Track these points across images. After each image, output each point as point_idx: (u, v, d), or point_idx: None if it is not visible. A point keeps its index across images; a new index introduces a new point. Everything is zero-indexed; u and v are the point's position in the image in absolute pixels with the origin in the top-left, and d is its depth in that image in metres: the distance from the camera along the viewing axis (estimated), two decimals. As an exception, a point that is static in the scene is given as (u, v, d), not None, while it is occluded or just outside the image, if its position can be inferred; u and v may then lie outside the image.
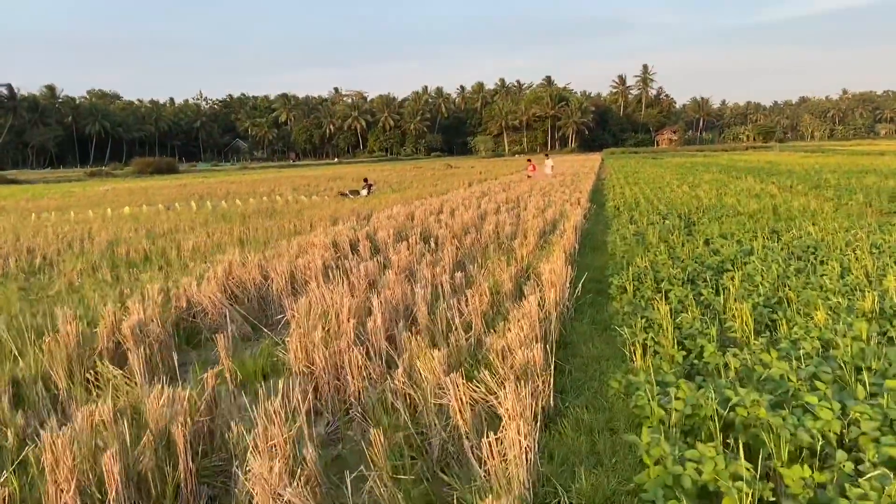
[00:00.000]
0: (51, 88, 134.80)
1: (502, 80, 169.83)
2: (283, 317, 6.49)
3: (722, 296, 6.48)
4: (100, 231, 15.83)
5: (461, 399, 3.83)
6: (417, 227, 12.59)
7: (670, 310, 5.97)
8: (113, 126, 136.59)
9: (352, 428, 4.46)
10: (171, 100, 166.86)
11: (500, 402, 3.65)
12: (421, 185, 31.22)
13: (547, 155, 36.53)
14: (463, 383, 3.91)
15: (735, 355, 4.74)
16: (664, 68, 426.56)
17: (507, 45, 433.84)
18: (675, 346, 5.13)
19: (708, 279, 7.56)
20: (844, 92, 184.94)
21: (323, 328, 5.82)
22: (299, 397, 3.70)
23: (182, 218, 18.17)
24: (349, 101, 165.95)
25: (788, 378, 4.20)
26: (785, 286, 6.92)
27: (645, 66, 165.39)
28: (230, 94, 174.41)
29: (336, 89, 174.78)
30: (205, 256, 11.58)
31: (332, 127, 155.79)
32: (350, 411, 4.51)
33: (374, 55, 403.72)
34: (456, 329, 5.63)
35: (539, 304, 6.14)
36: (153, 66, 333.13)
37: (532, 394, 4.16)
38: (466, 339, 5.65)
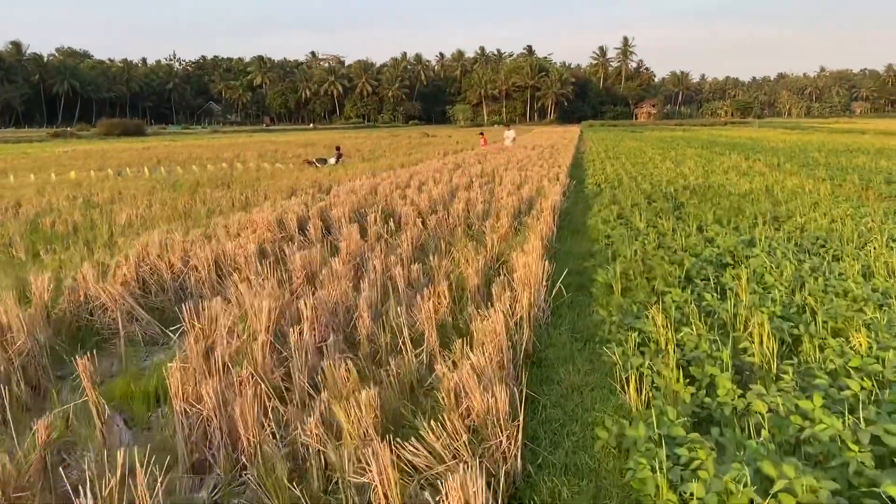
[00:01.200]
0: (16, 45, 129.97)
1: (482, 49, 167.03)
2: (180, 328, 5.20)
3: (729, 302, 5.34)
4: (32, 198, 14.35)
5: (390, 478, 2.65)
6: (380, 202, 11.33)
7: (668, 321, 4.83)
8: (82, 85, 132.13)
9: (246, 494, 3.27)
10: (144, 60, 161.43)
11: (444, 498, 2.46)
12: (394, 155, 29.78)
13: (508, 125, 34.36)
14: (394, 452, 2.73)
15: (760, 396, 3.61)
16: (645, 41, 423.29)
17: (489, 13, 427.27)
18: (680, 377, 3.98)
19: (709, 277, 6.43)
20: (822, 69, 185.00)
21: (238, 337, 4.61)
22: (148, 478, 2.49)
23: (128, 185, 16.66)
24: (326, 65, 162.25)
25: (842, 441, 3.08)
26: (802, 288, 5.81)
27: (625, 39, 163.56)
28: (204, 56, 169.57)
29: (313, 53, 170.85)
30: (138, 232, 10.24)
31: (308, 91, 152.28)
32: (244, 473, 3.30)
33: (353, 20, 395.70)
34: (404, 344, 4.44)
35: (509, 312, 4.98)
36: (126, 25, 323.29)
37: (491, 460, 2.99)
38: (416, 356, 4.48)
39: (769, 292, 5.66)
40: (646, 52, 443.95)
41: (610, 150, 31.90)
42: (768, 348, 4.38)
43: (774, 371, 4.18)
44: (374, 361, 4.56)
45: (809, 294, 5.51)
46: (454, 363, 4.11)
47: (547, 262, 6.00)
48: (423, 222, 9.41)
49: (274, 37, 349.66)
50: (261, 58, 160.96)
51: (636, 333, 4.77)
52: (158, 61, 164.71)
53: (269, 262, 6.69)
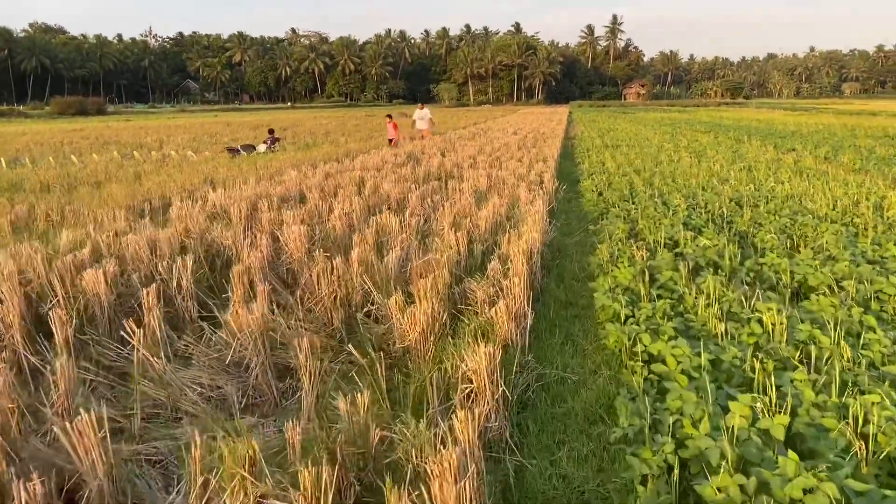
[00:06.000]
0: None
1: (468, 26, 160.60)
2: None
3: None
4: None
5: None
6: (224, 239, 6.45)
7: None
8: (53, 62, 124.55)
9: None
10: (119, 36, 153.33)
11: None
12: (349, 140, 24.75)
13: (422, 105, 27.94)
14: None
15: None
16: (634, 19, 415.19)
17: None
18: None
19: None
20: (811, 50, 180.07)
21: None
22: None
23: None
24: (307, 42, 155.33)
25: None
26: None
27: (614, 17, 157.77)
28: (181, 32, 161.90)
29: (293, 30, 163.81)
30: None
31: (288, 69, 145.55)
32: None
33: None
34: None
35: None
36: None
37: None
38: None
39: None
40: (634, 31, 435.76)
41: (606, 136, 26.86)
42: None
43: None
44: None
45: None
46: None
47: None
48: (267, 298, 4.54)
49: (254, 12, 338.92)
50: (240, 34, 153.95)
51: None
52: (133, 38, 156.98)
53: None
